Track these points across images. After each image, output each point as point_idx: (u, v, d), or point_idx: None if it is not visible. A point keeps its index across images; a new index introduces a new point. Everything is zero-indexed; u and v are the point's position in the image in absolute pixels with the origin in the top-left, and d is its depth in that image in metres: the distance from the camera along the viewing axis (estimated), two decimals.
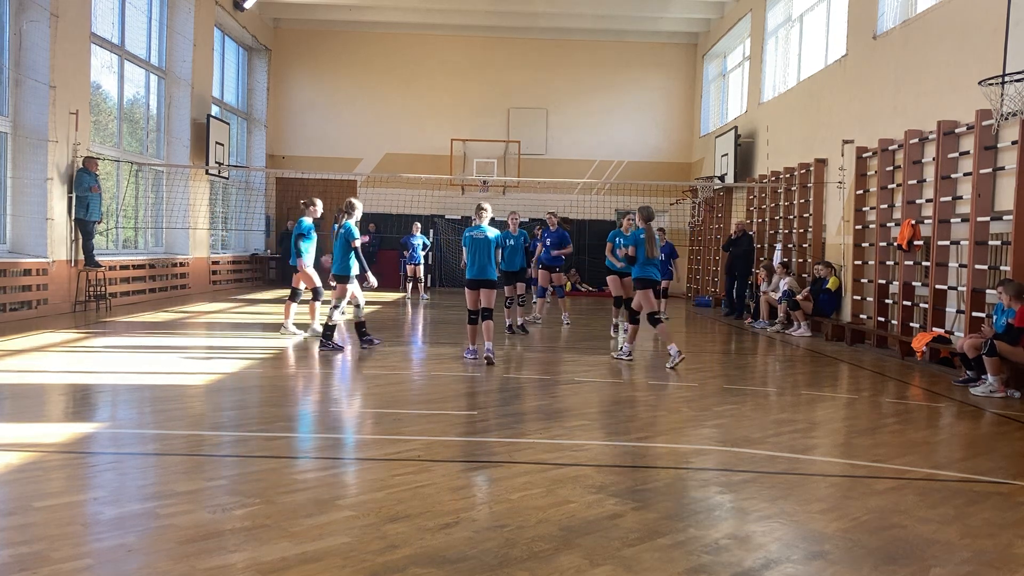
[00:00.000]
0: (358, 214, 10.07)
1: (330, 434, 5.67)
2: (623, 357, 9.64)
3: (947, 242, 10.07)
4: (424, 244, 18.19)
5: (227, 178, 19.98)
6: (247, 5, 20.37)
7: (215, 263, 19.67)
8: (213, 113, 19.15)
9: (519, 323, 12.06)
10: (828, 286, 13.11)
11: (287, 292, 10.67)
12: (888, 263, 11.79)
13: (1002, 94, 8.29)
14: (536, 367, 9.10)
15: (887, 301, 11.75)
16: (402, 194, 21.98)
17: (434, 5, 21.38)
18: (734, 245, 15.82)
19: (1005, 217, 8.93)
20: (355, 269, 9.79)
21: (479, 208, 9.46)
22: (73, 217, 12.98)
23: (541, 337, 11.85)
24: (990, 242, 9.24)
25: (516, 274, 12.19)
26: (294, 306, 11.16)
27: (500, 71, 23.61)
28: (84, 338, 10.24)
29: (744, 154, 18.77)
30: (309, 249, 10.90)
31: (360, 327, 10.09)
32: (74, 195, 12.88)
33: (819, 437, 6.28)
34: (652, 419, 6.52)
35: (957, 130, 10.03)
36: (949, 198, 10.11)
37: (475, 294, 9.33)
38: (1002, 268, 8.89)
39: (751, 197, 18.14)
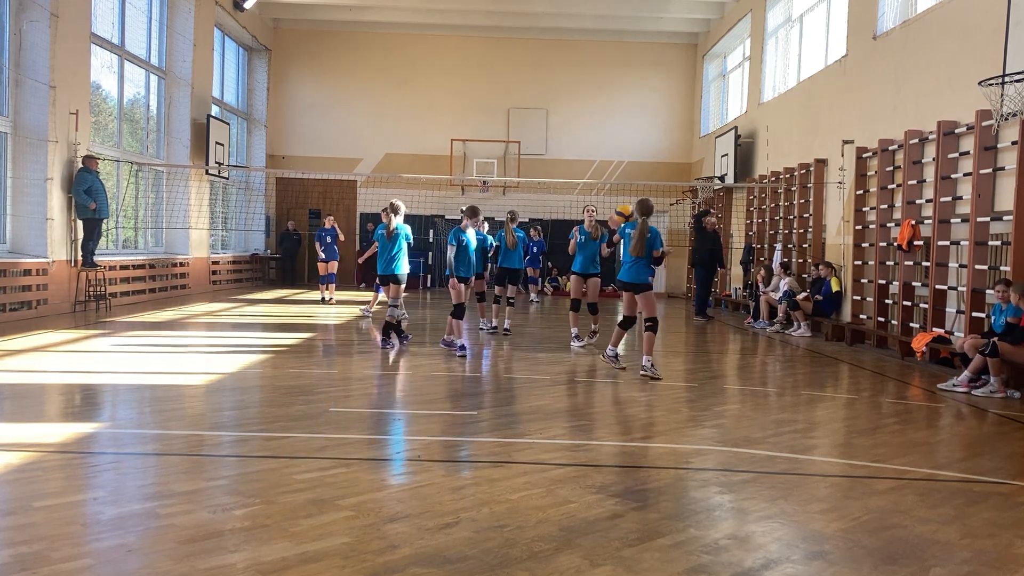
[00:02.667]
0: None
1: (330, 434, 5.67)
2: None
3: (947, 242, 10.07)
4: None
5: (227, 178, 19.98)
6: (247, 5, 20.37)
7: (215, 263, 19.67)
8: (213, 113, 19.15)
9: (497, 323, 11.86)
10: (831, 288, 13.11)
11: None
12: (888, 263, 11.79)
13: (1002, 94, 8.29)
14: (535, 367, 9.09)
15: (887, 301, 11.75)
16: (402, 194, 21.88)
17: (434, 5, 21.38)
18: (712, 242, 15.58)
19: (1005, 217, 8.93)
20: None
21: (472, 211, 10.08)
22: (73, 216, 12.98)
23: (541, 338, 11.85)
24: (990, 242, 9.25)
25: (513, 272, 12.12)
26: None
27: (500, 71, 23.62)
28: (84, 338, 10.24)
29: (744, 154, 18.78)
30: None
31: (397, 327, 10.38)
32: (73, 194, 12.89)
33: (819, 437, 6.28)
34: (652, 419, 6.52)
35: (957, 130, 10.03)
36: (949, 198, 10.11)
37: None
38: (1002, 268, 8.90)
39: (751, 197, 18.15)
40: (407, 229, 10.21)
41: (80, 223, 13.11)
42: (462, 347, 9.48)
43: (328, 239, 16.09)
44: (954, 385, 8.12)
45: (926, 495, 4.65)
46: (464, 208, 9.94)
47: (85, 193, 12.83)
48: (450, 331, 9.85)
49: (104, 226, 13.88)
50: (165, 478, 4.61)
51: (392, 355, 9.61)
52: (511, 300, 12.12)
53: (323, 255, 16.11)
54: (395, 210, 10.18)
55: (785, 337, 13.03)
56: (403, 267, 10.12)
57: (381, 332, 10.17)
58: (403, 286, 10.21)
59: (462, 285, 9.64)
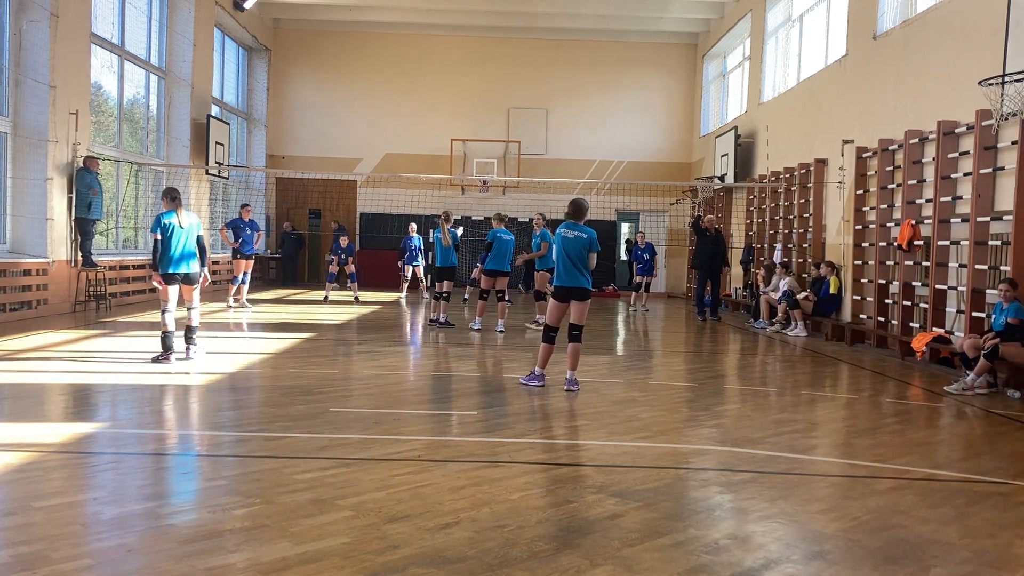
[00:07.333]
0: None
1: (330, 434, 5.66)
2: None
3: (947, 242, 10.07)
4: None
5: (227, 178, 19.98)
6: (247, 5, 20.37)
7: (215, 263, 19.65)
8: (213, 113, 19.15)
9: (444, 318, 12.78)
10: (831, 288, 13.11)
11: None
12: (888, 263, 11.79)
13: (1002, 94, 8.29)
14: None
15: (887, 301, 11.75)
16: (402, 194, 21.99)
17: (434, 5, 21.38)
18: (712, 243, 15.56)
19: (1005, 217, 8.93)
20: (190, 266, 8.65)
21: (578, 203, 7.82)
22: (73, 216, 12.98)
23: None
24: (990, 242, 9.24)
25: (451, 270, 13.19)
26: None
27: (500, 71, 23.61)
28: (84, 338, 10.24)
29: (744, 154, 18.77)
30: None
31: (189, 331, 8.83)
32: (75, 194, 12.89)
33: (819, 437, 6.28)
34: (652, 419, 6.52)
35: (957, 130, 10.02)
36: (949, 198, 10.11)
37: (563, 307, 7.67)
38: (1002, 268, 8.90)
39: (751, 197, 18.15)
40: (198, 221, 8.80)
41: (74, 223, 13.10)
42: (541, 376, 7.78)
43: (343, 255, 16.99)
44: (963, 389, 8.04)
45: (926, 495, 4.65)
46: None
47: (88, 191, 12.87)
48: (543, 363, 7.76)
49: (103, 226, 13.87)
50: (165, 478, 4.61)
51: (391, 356, 9.58)
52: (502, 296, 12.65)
53: (337, 264, 17.06)
54: (173, 197, 8.58)
55: (783, 337, 13.04)
56: (195, 265, 8.60)
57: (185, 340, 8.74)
58: (198, 287, 8.72)
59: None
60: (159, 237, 8.38)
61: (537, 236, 12.94)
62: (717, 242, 15.55)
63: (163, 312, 8.46)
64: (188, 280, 8.56)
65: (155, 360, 8.37)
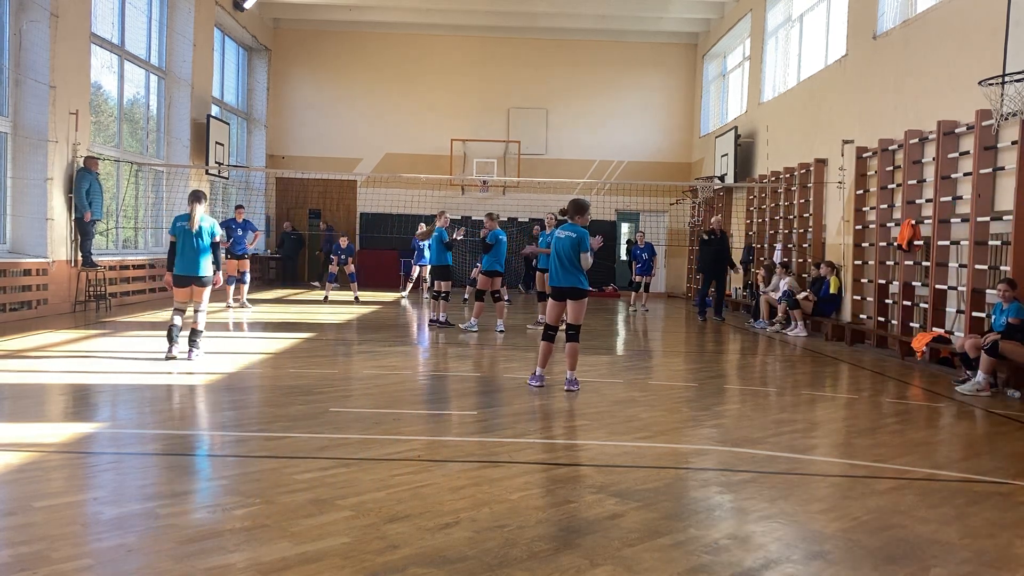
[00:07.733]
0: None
1: (330, 434, 5.67)
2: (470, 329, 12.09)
3: (947, 242, 10.07)
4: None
5: (227, 178, 19.98)
6: (247, 5, 20.37)
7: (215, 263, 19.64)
8: (213, 113, 19.15)
9: (444, 318, 12.85)
10: (831, 288, 13.11)
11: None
12: (888, 263, 11.79)
13: (1002, 94, 8.29)
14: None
15: (887, 301, 11.75)
16: (402, 194, 21.99)
17: (434, 5, 21.38)
18: (717, 244, 15.50)
19: (1005, 217, 8.93)
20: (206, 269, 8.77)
21: (576, 203, 7.77)
22: (73, 216, 12.98)
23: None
24: (990, 242, 9.25)
25: (445, 269, 13.14)
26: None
27: (500, 71, 23.61)
28: (84, 338, 10.23)
29: (744, 154, 18.78)
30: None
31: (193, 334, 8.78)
32: (74, 195, 12.89)
33: (819, 437, 6.28)
34: (652, 419, 6.52)
35: (957, 130, 10.03)
36: (949, 198, 10.11)
37: (560, 306, 7.72)
38: (1002, 268, 8.90)
39: (751, 197, 18.15)
40: (214, 223, 8.87)
41: (74, 223, 13.10)
42: (541, 377, 7.74)
43: (343, 256, 17.09)
44: (978, 391, 8.01)
45: (926, 495, 4.65)
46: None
47: (84, 195, 12.84)
48: (543, 362, 7.76)
49: (103, 226, 13.86)
50: (165, 478, 4.61)
51: (391, 356, 9.59)
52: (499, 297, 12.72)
53: (338, 264, 17.24)
54: (199, 198, 8.69)
55: (783, 337, 13.04)
56: (206, 268, 8.70)
57: (190, 342, 8.65)
58: (208, 289, 8.77)
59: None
60: (173, 239, 8.71)
61: (547, 235, 12.87)
62: (722, 243, 15.55)
63: (174, 310, 8.79)
64: (198, 282, 8.74)
65: (167, 358, 8.58)
